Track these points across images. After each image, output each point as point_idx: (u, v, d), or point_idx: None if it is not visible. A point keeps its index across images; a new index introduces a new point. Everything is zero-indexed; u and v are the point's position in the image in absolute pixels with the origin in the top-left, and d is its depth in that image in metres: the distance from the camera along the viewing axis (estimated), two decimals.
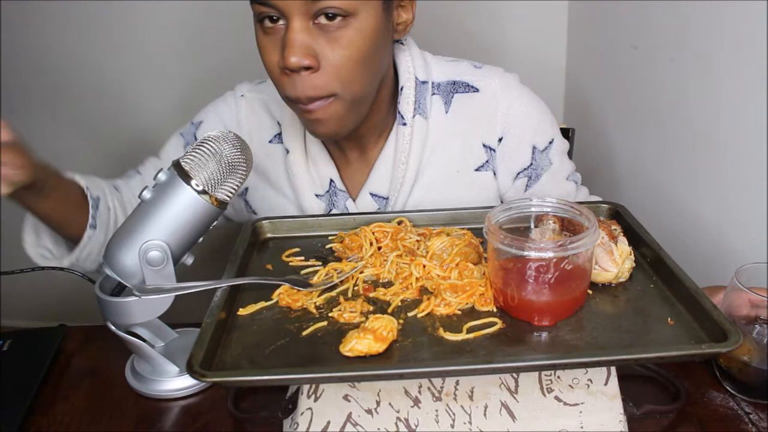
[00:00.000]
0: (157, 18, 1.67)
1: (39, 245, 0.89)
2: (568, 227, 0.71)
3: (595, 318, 0.65)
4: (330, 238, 0.84)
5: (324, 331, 0.65)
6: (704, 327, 0.62)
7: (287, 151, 0.96)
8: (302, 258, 0.80)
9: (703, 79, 1.08)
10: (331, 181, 0.96)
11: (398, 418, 0.64)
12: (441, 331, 0.64)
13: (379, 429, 0.64)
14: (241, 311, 0.69)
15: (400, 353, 0.62)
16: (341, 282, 0.73)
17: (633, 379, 0.75)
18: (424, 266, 0.73)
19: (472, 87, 0.96)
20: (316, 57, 0.78)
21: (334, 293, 0.71)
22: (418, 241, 0.78)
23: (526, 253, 0.62)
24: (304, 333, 0.65)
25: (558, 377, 0.65)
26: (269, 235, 0.87)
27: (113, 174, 1.03)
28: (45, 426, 0.76)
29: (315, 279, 0.74)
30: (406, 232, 0.80)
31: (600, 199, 0.97)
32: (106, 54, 1.69)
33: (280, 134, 0.98)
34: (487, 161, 0.97)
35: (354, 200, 0.97)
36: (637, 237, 0.76)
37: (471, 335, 0.63)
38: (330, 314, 0.68)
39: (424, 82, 0.94)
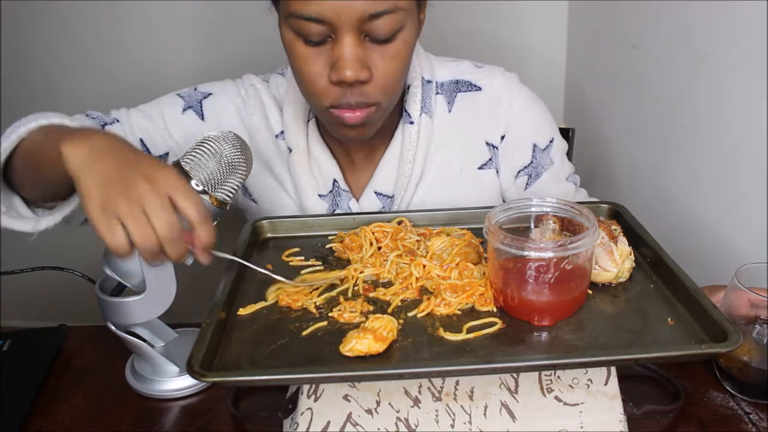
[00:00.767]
0: (158, 18, 1.67)
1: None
2: (568, 227, 0.71)
3: (595, 318, 0.65)
4: (330, 237, 0.84)
5: (324, 331, 0.65)
6: (704, 327, 0.62)
7: (290, 150, 0.96)
8: (302, 258, 0.80)
9: (703, 79, 1.08)
10: (335, 181, 0.96)
11: (398, 418, 0.64)
12: (441, 331, 0.64)
13: (379, 429, 0.64)
14: (241, 311, 0.69)
15: (400, 353, 0.62)
16: (341, 281, 0.73)
17: (633, 379, 0.75)
18: (424, 266, 0.73)
19: (475, 86, 0.97)
20: (369, 70, 0.79)
21: (334, 293, 0.71)
22: (418, 241, 0.78)
23: (526, 253, 0.62)
24: (304, 333, 0.65)
25: (558, 377, 0.65)
26: (269, 235, 0.87)
27: None
28: (45, 426, 0.76)
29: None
30: (406, 232, 0.80)
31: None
32: (106, 54, 1.69)
33: (283, 132, 0.98)
34: (490, 159, 0.98)
35: (357, 200, 0.97)
36: (637, 237, 0.76)
37: (471, 335, 0.63)
38: (330, 314, 0.68)
39: (429, 82, 0.96)
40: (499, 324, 0.65)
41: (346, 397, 0.64)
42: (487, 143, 0.98)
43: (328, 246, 0.82)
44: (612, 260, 0.69)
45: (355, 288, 0.72)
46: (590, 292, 0.69)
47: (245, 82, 0.99)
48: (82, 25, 1.67)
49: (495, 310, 0.67)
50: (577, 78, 1.69)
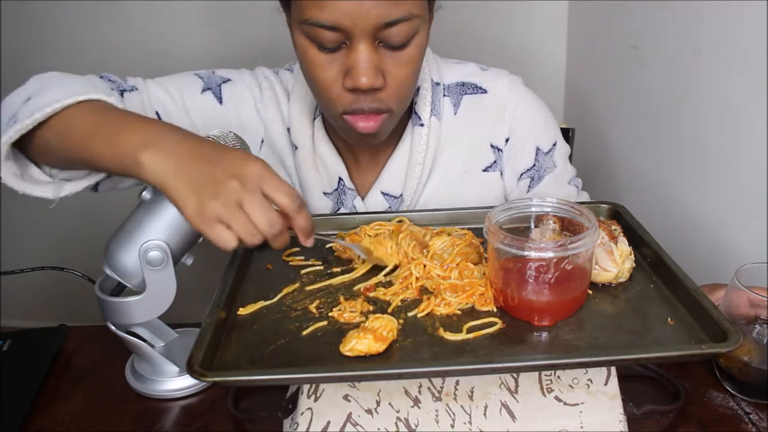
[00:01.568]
0: (159, 18, 1.67)
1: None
2: (568, 227, 0.71)
3: (595, 318, 0.65)
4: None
5: (324, 331, 0.65)
6: (704, 327, 0.62)
7: (295, 147, 0.96)
8: (302, 258, 0.80)
9: (703, 79, 1.08)
10: (340, 179, 0.96)
11: (398, 418, 0.64)
12: (441, 331, 0.64)
13: (379, 429, 0.64)
14: (241, 311, 0.69)
15: (400, 353, 0.62)
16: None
17: (633, 379, 0.75)
18: (424, 266, 0.73)
19: (481, 88, 0.98)
20: (383, 76, 0.79)
21: (333, 291, 0.71)
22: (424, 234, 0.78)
23: (526, 253, 0.62)
24: (304, 333, 0.65)
25: (558, 377, 0.65)
26: None
27: None
28: (45, 426, 0.76)
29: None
30: (407, 227, 0.80)
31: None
32: (106, 55, 1.69)
33: (289, 128, 0.97)
34: (494, 161, 0.99)
35: (363, 199, 0.97)
36: (637, 237, 0.76)
37: (471, 335, 0.63)
38: (330, 314, 0.68)
39: (437, 84, 0.96)
40: (499, 324, 0.65)
41: (346, 397, 0.64)
42: (491, 146, 0.98)
43: (328, 246, 0.82)
44: (612, 260, 0.69)
45: (356, 287, 0.72)
46: (590, 292, 0.69)
47: (259, 74, 0.99)
48: (83, 25, 1.67)
49: (495, 310, 0.67)
50: (577, 78, 1.69)
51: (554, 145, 1.00)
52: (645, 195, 1.32)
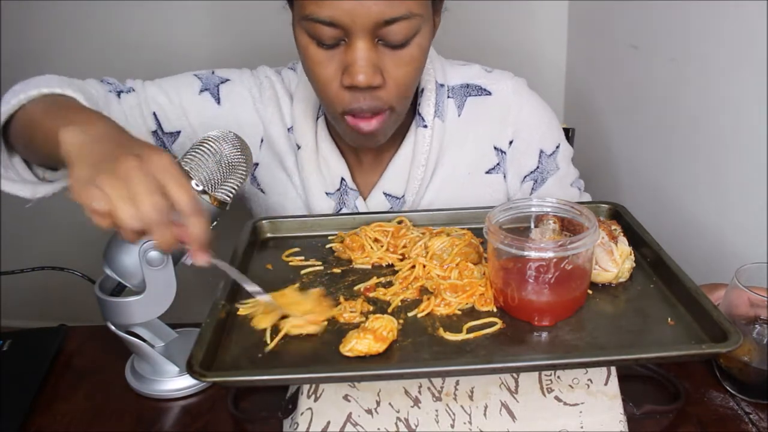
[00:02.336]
0: (160, 18, 1.67)
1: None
2: (568, 227, 0.71)
3: (595, 318, 0.65)
4: (330, 237, 0.84)
5: (324, 331, 0.65)
6: (704, 327, 0.62)
7: (298, 147, 0.95)
8: (302, 258, 0.80)
9: (703, 80, 1.08)
10: (342, 179, 0.96)
11: (398, 418, 0.64)
12: (441, 331, 0.64)
13: (379, 429, 0.64)
14: (241, 311, 0.69)
15: (400, 353, 0.62)
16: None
17: (633, 379, 0.75)
18: (424, 266, 0.73)
19: (485, 90, 0.98)
20: (382, 75, 0.78)
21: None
22: (419, 237, 0.78)
23: (526, 253, 0.62)
24: (304, 333, 0.65)
25: (558, 377, 0.65)
26: (269, 235, 0.87)
27: None
28: (45, 426, 0.76)
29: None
30: (407, 230, 0.80)
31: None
32: (107, 55, 1.69)
33: (292, 127, 0.97)
34: (498, 164, 0.99)
35: (365, 199, 0.97)
36: (637, 237, 0.76)
37: (471, 335, 0.63)
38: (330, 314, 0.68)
39: (441, 86, 0.96)
40: (499, 324, 0.65)
41: (346, 397, 0.64)
42: (495, 148, 0.98)
43: (328, 246, 0.82)
44: (612, 260, 0.69)
45: (356, 288, 0.72)
46: (590, 292, 0.69)
47: (260, 74, 0.99)
48: (83, 25, 1.67)
49: (495, 310, 0.67)
50: (577, 78, 1.69)
51: (557, 147, 1.00)
52: (645, 195, 1.32)
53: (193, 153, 0.73)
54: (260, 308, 0.67)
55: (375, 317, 0.64)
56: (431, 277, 0.72)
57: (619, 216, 0.83)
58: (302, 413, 0.64)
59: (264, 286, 0.73)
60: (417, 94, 0.94)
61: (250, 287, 0.67)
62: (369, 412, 0.64)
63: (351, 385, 0.64)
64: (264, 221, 0.87)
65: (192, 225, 0.58)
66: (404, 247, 0.78)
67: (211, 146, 0.73)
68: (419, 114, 0.94)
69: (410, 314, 0.67)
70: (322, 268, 0.77)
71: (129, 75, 0.97)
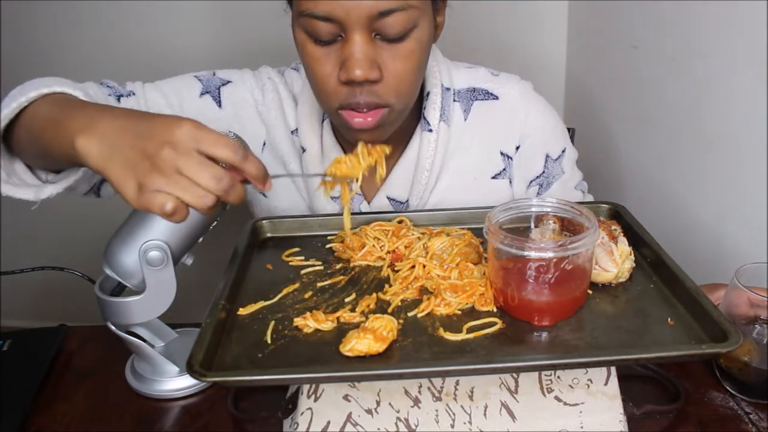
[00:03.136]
0: (161, 19, 1.67)
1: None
2: (568, 227, 0.71)
3: (595, 318, 0.65)
4: (330, 237, 0.84)
5: (324, 331, 0.65)
6: (704, 327, 0.62)
7: (303, 150, 0.95)
8: (302, 258, 0.80)
9: (703, 79, 1.08)
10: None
11: (398, 418, 0.64)
12: (441, 331, 0.64)
13: (379, 429, 0.64)
14: (241, 311, 0.69)
15: (400, 353, 0.62)
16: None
17: (633, 379, 0.75)
18: (424, 266, 0.73)
19: (492, 95, 0.97)
20: (379, 69, 0.78)
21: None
22: (419, 237, 0.78)
23: (526, 253, 0.62)
24: (304, 333, 0.65)
25: (558, 377, 0.65)
26: (269, 235, 0.87)
27: None
28: (45, 426, 0.76)
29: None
30: (408, 229, 0.80)
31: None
32: (107, 55, 1.69)
33: (297, 130, 0.96)
34: (504, 169, 0.98)
35: (369, 203, 0.97)
36: (637, 237, 0.76)
37: (471, 335, 0.63)
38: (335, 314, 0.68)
39: (447, 89, 0.95)
40: (499, 324, 0.65)
41: (346, 397, 0.64)
42: (501, 153, 0.97)
43: (328, 246, 0.82)
44: (612, 260, 0.69)
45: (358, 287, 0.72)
46: (590, 292, 0.69)
47: (263, 75, 0.98)
48: (83, 25, 1.67)
49: (495, 310, 0.67)
50: (577, 78, 1.69)
51: (563, 151, 0.99)
52: (645, 195, 1.32)
53: None
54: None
55: (375, 317, 0.64)
56: (431, 277, 0.72)
57: (619, 216, 0.83)
58: (302, 413, 0.64)
59: (264, 286, 0.74)
60: (422, 98, 0.94)
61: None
62: (369, 412, 0.64)
63: (351, 385, 0.64)
64: (264, 221, 0.87)
65: (248, 167, 0.62)
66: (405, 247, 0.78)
67: None
68: (425, 118, 0.93)
69: (410, 314, 0.67)
70: (322, 268, 0.77)
71: (130, 74, 0.97)
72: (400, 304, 0.69)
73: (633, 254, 0.72)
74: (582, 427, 0.64)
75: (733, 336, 0.58)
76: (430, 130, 0.93)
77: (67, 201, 0.82)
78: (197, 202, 0.58)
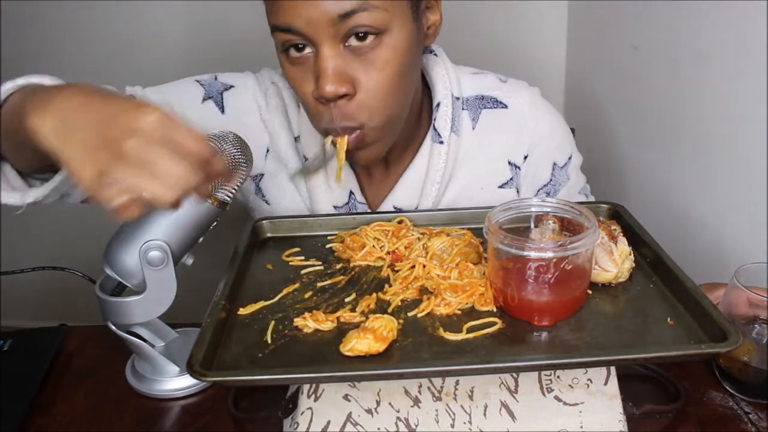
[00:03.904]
0: (161, 19, 1.67)
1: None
2: (568, 227, 0.71)
3: (595, 318, 0.65)
4: (330, 237, 0.84)
5: (324, 331, 0.65)
6: (704, 327, 0.62)
7: (305, 159, 0.93)
8: (302, 258, 0.80)
9: (703, 79, 1.08)
10: (351, 193, 0.94)
11: (398, 418, 0.64)
12: (441, 331, 0.64)
13: (379, 429, 0.64)
14: (242, 311, 0.69)
15: (400, 353, 0.62)
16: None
17: (633, 379, 0.75)
18: (424, 266, 0.73)
19: (501, 103, 0.94)
20: (352, 83, 0.75)
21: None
22: (419, 238, 0.78)
23: (526, 253, 0.62)
24: (304, 333, 0.65)
25: (558, 377, 0.65)
26: (269, 235, 0.87)
27: None
28: (45, 426, 0.76)
29: None
30: (407, 230, 0.80)
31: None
32: (107, 55, 1.69)
33: (299, 137, 0.94)
34: (511, 178, 0.96)
35: (374, 212, 0.95)
36: (637, 237, 0.76)
37: (471, 335, 0.63)
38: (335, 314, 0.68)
39: (457, 99, 0.92)
40: (499, 324, 0.65)
41: (346, 397, 0.64)
42: (509, 162, 0.95)
43: (328, 246, 0.82)
44: (612, 260, 0.69)
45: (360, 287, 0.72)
46: (590, 292, 0.69)
47: (265, 79, 0.95)
48: (83, 25, 1.67)
49: (495, 310, 0.67)
50: (577, 78, 1.69)
51: (569, 158, 0.98)
52: (645, 195, 1.33)
53: None
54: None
55: (375, 317, 0.64)
56: (431, 277, 0.72)
57: (618, 216, 0.83)
58: (302, 413, 0.64)
59: (264, 286, 0.74)
60: (431, 109, 0.92)
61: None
62: (369, 411, 0.64)
63: (351, 384, 0.64)
64: (264, 221, 0.87)
65: (216, 163, 0.57)
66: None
67: (212, 146, 0.73)
68: (436, 130, 0.91)
69: (410, 314, 0.67)
70: (322, 268, 0.77)
71: (130, 74, 0.97)
72: (400, 304, 0.69)
73: (633, 254, 0.72)
74: (582, 427, 0.64)
75: (733, 336, 0.58)
76: (441, 142, 0.91)
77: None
78: (161, 195, 0.52)
